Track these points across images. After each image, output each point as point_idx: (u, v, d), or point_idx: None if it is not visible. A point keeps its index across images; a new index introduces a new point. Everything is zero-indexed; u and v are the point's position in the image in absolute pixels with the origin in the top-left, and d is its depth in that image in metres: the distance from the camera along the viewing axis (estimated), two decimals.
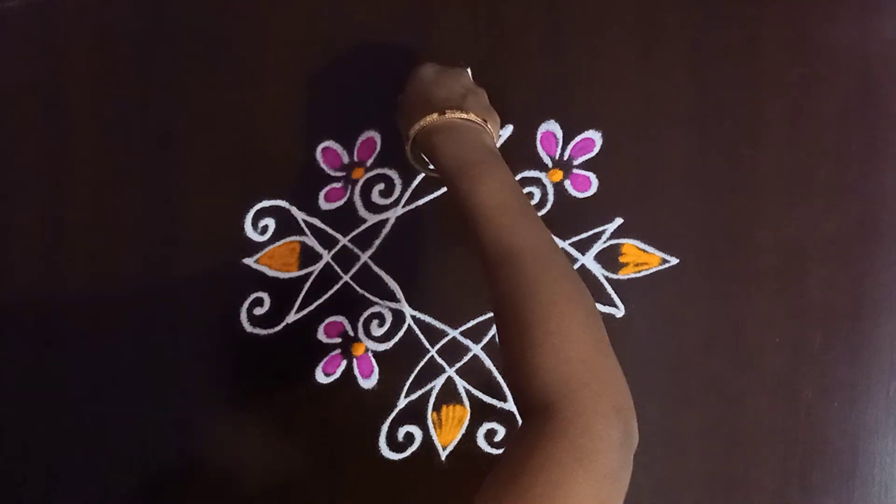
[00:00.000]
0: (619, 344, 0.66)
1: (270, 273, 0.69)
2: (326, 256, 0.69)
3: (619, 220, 0.68)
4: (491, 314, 0.68)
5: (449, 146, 0.54)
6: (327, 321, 0.69)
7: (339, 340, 0.69)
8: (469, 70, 0.64)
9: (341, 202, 0.69)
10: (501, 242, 0.49)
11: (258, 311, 0.69)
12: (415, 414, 0.69)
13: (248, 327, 0.69)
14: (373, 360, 0.69)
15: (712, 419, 0.67)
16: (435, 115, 0.56)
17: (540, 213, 0.68)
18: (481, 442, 0.68)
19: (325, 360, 0.69)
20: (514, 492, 0.40)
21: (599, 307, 0.67)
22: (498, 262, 0.49)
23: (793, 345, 0.67)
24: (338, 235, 0.69)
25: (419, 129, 0.57)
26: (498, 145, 0.68)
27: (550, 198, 0.68)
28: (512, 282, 0.47)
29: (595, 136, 0.68)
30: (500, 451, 0.68)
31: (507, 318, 0.47)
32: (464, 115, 0.56)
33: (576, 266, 0.68)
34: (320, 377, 0.69)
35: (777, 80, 0.67)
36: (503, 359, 0.48)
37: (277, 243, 0.70)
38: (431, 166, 0.58)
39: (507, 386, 0.47)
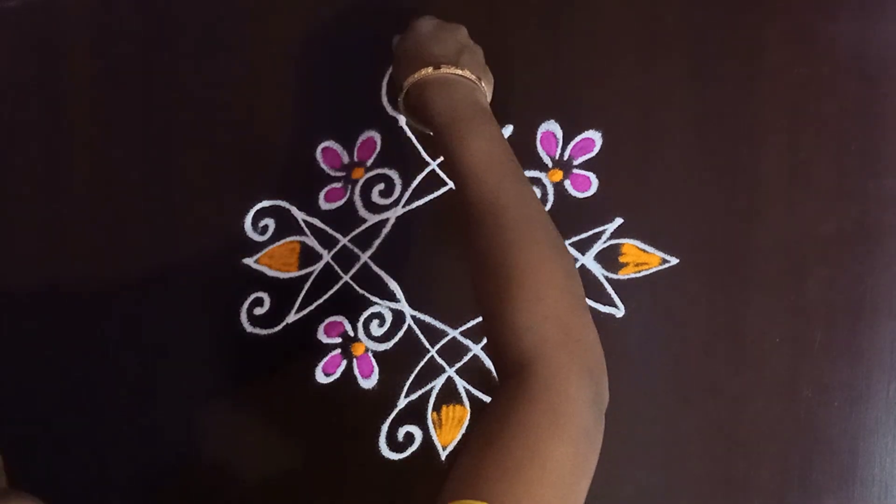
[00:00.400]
0: (619, 344, 0.67)
1: (270, 273, 0.69)
2: (326, 256, 0.69)
3: (619, 220, 0.68)
4: None
5: (440, 101, 0.55)
6: (327, 321, 0.69)
7: (339, 340, 0.69)
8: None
9: (341, 202, 0.69)
10: (485, 199, 0.49)
11: (258, 311, 0.69)
12: (415, 414, 0.69)
13: (248, 327, 0.69)
14: (373, 360, 0.69)
15: (712, 419, 0.67)
16: (429, 69, 0.56)
17: None
18: None
19: (325, 360, 0.69)
20: (492, 457, 0.41)
21: (599, 307, 0.67)
22: (480, 218, 0.49)
23: (793, 345, 0.67)
24: (338, 235, 0.69)
25: (413, 81, 0.57)
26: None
27: (550, 198, 0.68)
28: (493, 238, 0.48)
29: (595, 136, 0.68)
30: None
31: (485, 275, 0.48)
32: (458, 71, 0.56)
33: (576, 266, 0.68)
34: (320, 377, 0.69)
35: (777, 80, 0.67)
36: (481, 316, 0.48)
37: (277, 243, 0.70)
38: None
39: (487, 345, 0.48)
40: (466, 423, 0.69)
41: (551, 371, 0.43)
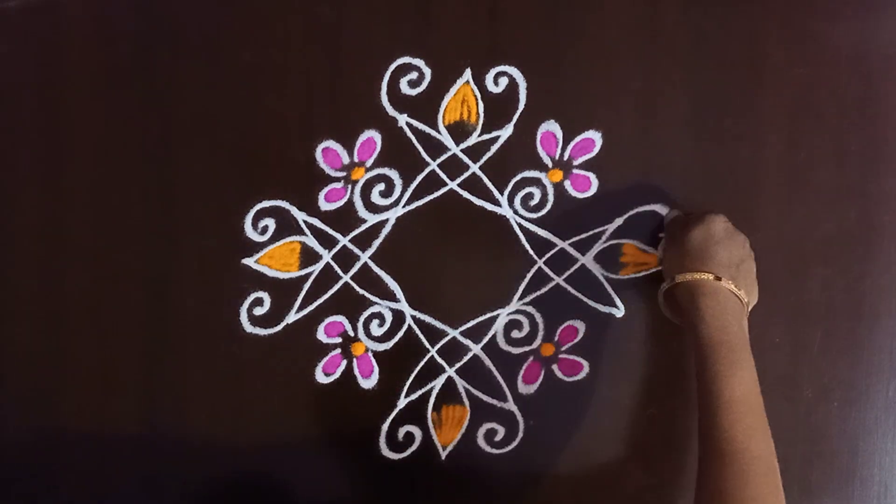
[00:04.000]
0: (619, 344, 0.67)
1: (270, 273, 0.69)
2: (326, 256, 0.69)
3: (619, 220, 0.68)
4: (491, 313, 0.68)
5: (714, 317, 0.55)
6: (327, 321, 0.69)
7: (339, 340, 0.69)
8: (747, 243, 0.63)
9: (341, 202, 0.69)
10: (735, 439, 0.50)
11: (258, 311, 0.69)
12: (415, 414, 0.69)
13: (248, 327, 0.70)
14: (373, 360, 0.69)
15: None
16: (710, 277, 0.57)
17: (540, 214, 0.68)
18: (481, 442, 0.68)
19: (325, 360, 0.69)
20: None
21: (599, 307, 0.67)
22: (724, 457, 0.49)
23: (793, 345, 0.67)
24: (338, 235, 0.69)
25: (689, 280, 0.58)
26: (497, 145, 0.68)
27: (550, 198, 0.68)
28: (735, 483, 0.48)
29: (595, 136, 0.68)
30: (500, 450, 0.68)
31: None
32: (735, 290, 0.57)
33: (576, 266, 0.68)
34: (320, 377, 0.69)
35: (777, 80, 0.67)
36: None
37: (277, 243, 0.70)
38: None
39: None
40: (466, 422, 0.69)
41: None
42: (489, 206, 0.68)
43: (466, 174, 0.69)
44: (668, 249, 0.63)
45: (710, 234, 0.60)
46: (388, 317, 0.69)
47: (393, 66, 0.69)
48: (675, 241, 0.62)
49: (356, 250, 0.69)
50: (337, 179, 0.69)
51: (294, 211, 0.69)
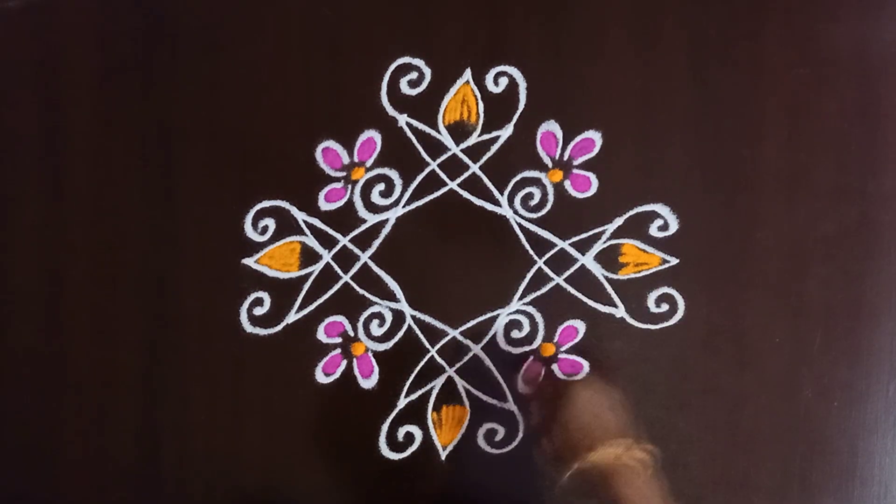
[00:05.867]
0: (619, 344, 0.67)
1: (270, 273, 0.70)
2: (326, 256, 0.69)
3: (619, 220, 0.68)
4: (491, 313, 0.68)
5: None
6: (327, 321, 0.69)
7: (339, 340, 0.69)
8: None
9: (341, 202, 0.69)
10: None
11: (258, 311, 0.69)
12: (415, 414, 0.69)
13: (248, 327, 0.70)
14: (373, 360, 0.69)
15: (712, 419, 0.67)
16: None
17: (540, 214, 0.68)
18: (481, 442, 0.68)
19: (325, 360, 0.69)
20: None
21: (599, 307, 0.67)
22: None
23: (793, 345, 0.67)
24: (338, 235, 0.69)
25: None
26: (497, 145, 0.68)
27: (550, 198, 0.68)
28: None
29: (595, 136, 0.68)
30: (500, 450, 0.68)
31: None
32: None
33: (576, 266, 0.68)
34: (320, 377, 0.69)
35: (777, 80, 0.67)
36: None
37: (277, 243, 0.70)
38: None
39: None
40: (466, 422, 0.69)
41: None
42: (489, 206, 0.68)
43: (466, 174, 0.69)
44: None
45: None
46: (388, 317, 0.69)
47: (393, 66, 0.69)
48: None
49: (356, 250, 0.69)
50: (337, 179, 0.69)
51: (294, 211, 0.69)
